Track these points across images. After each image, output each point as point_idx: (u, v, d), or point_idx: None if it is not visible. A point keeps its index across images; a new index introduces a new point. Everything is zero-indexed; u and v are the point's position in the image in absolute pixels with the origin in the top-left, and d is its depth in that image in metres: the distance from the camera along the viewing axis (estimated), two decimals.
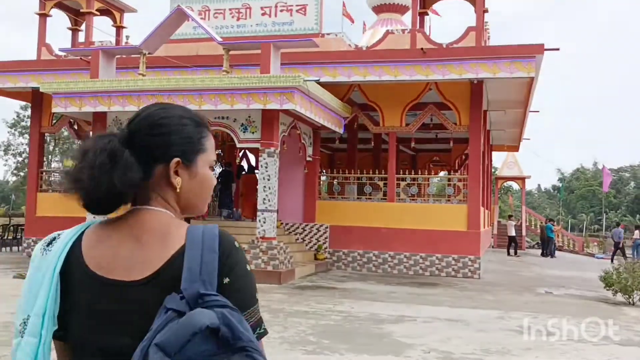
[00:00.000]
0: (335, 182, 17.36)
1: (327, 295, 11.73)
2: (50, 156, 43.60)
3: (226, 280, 1.33)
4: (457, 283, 14.47)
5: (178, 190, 1.44)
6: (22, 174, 43.87)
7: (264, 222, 13.79)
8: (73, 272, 1.37)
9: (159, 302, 1.26)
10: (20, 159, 45.28)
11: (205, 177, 1.48)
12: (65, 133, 43.96)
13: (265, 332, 1.38)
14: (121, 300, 1.32)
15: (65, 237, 1.42)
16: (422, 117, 16.80)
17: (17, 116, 45.23)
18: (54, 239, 1.44)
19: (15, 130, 45.47)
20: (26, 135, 42.60)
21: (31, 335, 1.34)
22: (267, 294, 11.59)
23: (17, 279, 12.72)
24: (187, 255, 1.32)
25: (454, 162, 27.78)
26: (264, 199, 13.83)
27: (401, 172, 16.84)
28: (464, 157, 25.17)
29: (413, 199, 16.67)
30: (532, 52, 14.26)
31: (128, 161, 1.36)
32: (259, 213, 13.92)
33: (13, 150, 46.01)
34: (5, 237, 21.17)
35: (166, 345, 1.18)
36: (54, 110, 14.58)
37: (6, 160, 46.84)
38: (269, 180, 13.85)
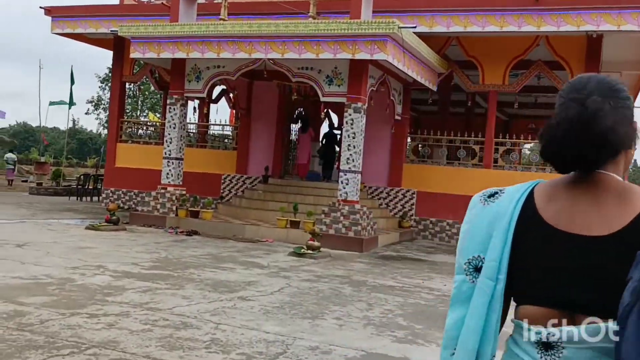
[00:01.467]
0: (424, 145, 15.93)
1: (414, 268, 10.51)
2: (138, 110, 44.29)
3: None
4: None
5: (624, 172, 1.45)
6: None
7: (347, 184, 12.65)
8: (526, 224, 1.44)
9: (621, 259, 1.29)
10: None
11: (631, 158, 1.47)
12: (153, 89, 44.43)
13: None
14: (582, 254, 1.35)
15: (516, 191, 1.49)
16: (527, 75, 14.99)
17: (109, 70, 45.89)
18: (496, 193, 1.53)
19: (105, 85, 46.30)
20: None
21: (487, 278, 1.45)
22: (348, 263, 10.51)
23: (90, 230, 12.22)
24: None
25: None
26: (348, 158, 12.66)
27: (500, 136, 15.19)
28: None
29: (513, 167, 15.04)
30: None
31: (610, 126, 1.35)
32: (341, 174, 12.78)
33: (104, 104, 47.01)
34: (87, 187, 21.12)
35: None
36: (132, 55, 13.90)
37: (98, 114, 48.07)
38: (354, 138, 12.64)
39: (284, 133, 17.25)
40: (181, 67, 14.24)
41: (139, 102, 43.89)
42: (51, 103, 30.99)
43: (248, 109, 17.36)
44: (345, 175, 12.67)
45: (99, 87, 47.10)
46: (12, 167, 29.40)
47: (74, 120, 74.01)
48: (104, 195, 18.81)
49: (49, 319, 5.44)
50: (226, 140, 19.70)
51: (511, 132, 24.21)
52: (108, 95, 46.05)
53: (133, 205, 18.03)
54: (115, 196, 18.52)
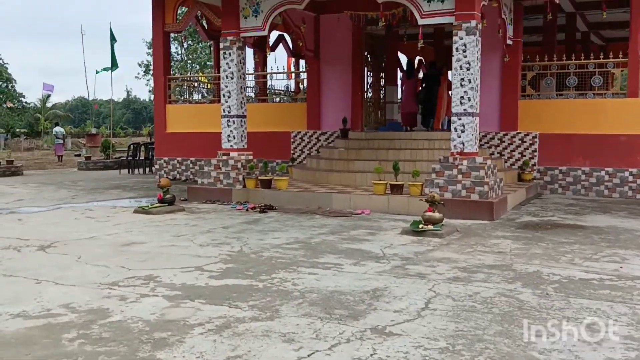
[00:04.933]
0: (543, 75, 12.56)
1: (581, 241, 7.47)
2: (188, 72, 41.95)
3: None
4: None
5: None
6: None
7: (462, 131, 9.59)
8: None
9: None
10: None
11: None
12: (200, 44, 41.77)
13: None
14: None
15: None
16: None
17: None
18: None
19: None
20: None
21: None
22: (486, 239, 7.56)
23: (139, 214, 9.66)
24: None
25: None
26: (462, 97, 9.56)
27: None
28: None
29: None
30: None
31: None
32: (454, 118, 9.71)
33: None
34: (137, 158, 18.72)
35: None
36: None
37: (148, 80, 46.04)
38: (468, 69, 9.51)
39: (362, 76, 14.16)
40: (234, 0, 11.29)
41: (186, 61, 41.27)
42: (97, 72, 28.98)
43: (316, 50, 14.35)
44: (460, 119, 9.59)
45: (146, 52, 44.83)
46: (62, 141, 27.48)
47: (127, 91, 73.07)
48: (156, 167, 16.33)
49: None
50: (287, 93, 16.76)
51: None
52: None
53: (191, 176, 15.49)
54: (169, 166, 16.00)
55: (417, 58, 18.75)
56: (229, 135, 11.55)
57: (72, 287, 5.33)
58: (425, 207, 8.64)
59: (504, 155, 12.52)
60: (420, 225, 7.86)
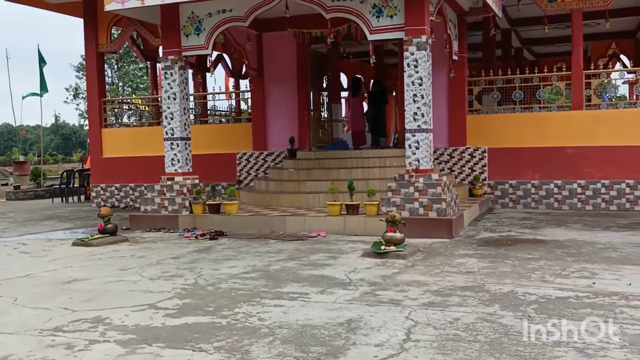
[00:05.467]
0: (488, 90, 12.61)
1: (546, 257, 7.33)
2: (119, 87, 40.63)
3: None
4: None
5: None
6: None
7: (417, 148, 9.39)
8: None
9: None
10: None
11: None
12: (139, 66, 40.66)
13: None
14: None
15: None
16: None
17: (83, 59, 42.22)
18: None
19: (82, 74, 42.62)
20: None
21: None
22: (451, 258, 7.33)
23: (79, 246, 8.96)
24: None
25: None
26: (415, 113, 9.38)
27: (592, 68, 11.92)
28: None
29: (611, 104, 11.81)
30: None
31: None
32: (407, 135, 9.50)
33: (82, 94, 43.35)
34: (71, 185, 17.75)
35: None
36: (107, 7, 10.41)
37: (77, 105, 44.40)
38: (420, 85, 9.35)
39: (308, 94, 13.85)
40: (174, 17, 10.81)
41: (117, 84, 40.08)
42: (23, 97, 27.54)
43: (260, 69, 13.97)
44: (414, 135, 9.39)
45: (75, 76, 43.30)
46: None
47: (55, 116, 70.24)
48: (93, 194, 15.47)
49: None
50: (229, 113, 16.25)
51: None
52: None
53: (131, 203, 14.76)
54: (107, 193, 15.19)
55: (356, 76, 18.66)
56: (172, 159, 10.98)
57: (9, 335, 4.71)
58: (383, 226, 8.37)
59: (454, 170, 12.45)
60: (382, 247, 7.55)
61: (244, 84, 21.99)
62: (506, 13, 13.62)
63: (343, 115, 16.52)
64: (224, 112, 17.15)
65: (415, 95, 9.35)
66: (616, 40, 19.39)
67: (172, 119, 10.92)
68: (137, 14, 11.46)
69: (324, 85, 14.85)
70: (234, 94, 17.98)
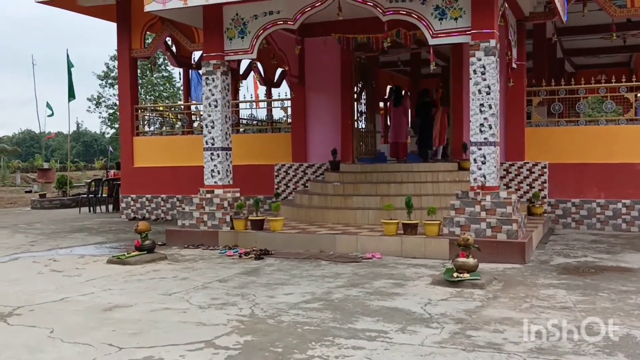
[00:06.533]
0: (551, 100, 11.74)
1: (616, 282, 6.47)
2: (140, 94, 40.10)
3: None
4: None
5: None
6: (116, 125, 40.58)
7: (483, 163, 8.56)
8: None
9: None
10: (111, 111, 42.07)
11: None
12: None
13: None
14: None
15: None
16: None
17: (107, 67, 42.02)
18: None
19: (105, 82, 42.33)
20: (117, 87, 39.08)
21: None
22: (531, 288, 6.51)
23: (115, 264, 8.25)
24: None
25: None
26: (482, 124, 8.56)
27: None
28: None
29: None
30: None
31: None
32: (472, 148, 8.68)
33: (105, 101, 43.01)
34: (100, 195, 17.14)
35: None
36: (147, 8, 9.71)
37: (100, 113, 44.02)
38: (488, 93, 8.54)
39: (352, 104, 13.08)
40: (217, 19, 10.11)
41: (150, 92, 39.59)
42: (48, 105, 27.18)
43: (301, 76, 13.25)
44: (480, 149, 8.57)
45: (99, 84, 42.85)
46: None
47: (77, 123, 70.29)
48: (123, 205, 14.82)
49: None
50: (270, 122, 15.50)
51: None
52: (109, 92, 42.07)
53: (162, 215, 14.09)
54: (138, 204, 14.53)
55: (397, 86, 17.88)
56: (212, 170, 10.26)
57: None
58: (445, 249, 7.56)
59: (510, 187, 11.58)
60: (455, 274, 6.73)
61: (276, 92, 21.40)
62: (545, 23, 12.79)
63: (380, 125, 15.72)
64: (256, 122, 16.45)
65: (482, 104, 8.53)
66: None
67: (212, 127, 10.21)
68: (177, 15, 10.78)
69: (365, 94, 14.06)
70: (267, 103, 17.28)
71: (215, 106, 10.18)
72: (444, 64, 18.95)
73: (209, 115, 10.23)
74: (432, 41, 8.94)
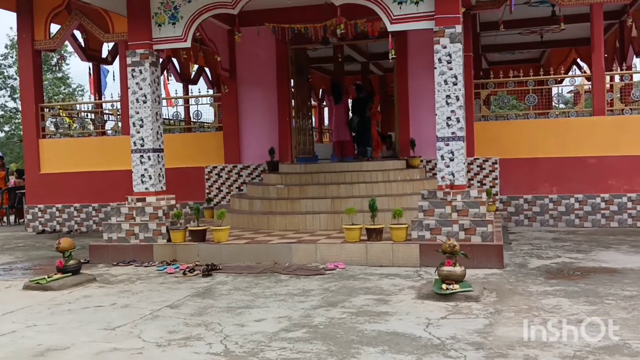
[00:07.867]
0: (494, 94, 11.33)
1: (614, 286, 5.99)
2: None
3: None
4: None
5: None
6: (5, 128, 36.91)
7: (451, 160, 7.89)
8: None
9: None
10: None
11: None
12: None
13: None
14: None
15: None
16: None
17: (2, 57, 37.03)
18: None
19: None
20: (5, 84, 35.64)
21: None
22: (528, 297, 5.87)
23: (34, 290, 6.89)
24: None
25: None
26: (448, 118, 7.88)
27: (615, 68, 10.84)
28: None
29: (636, 109, 10.77)
30: None
31: None
32: (439, 144, 7.97)
33: None
34: (0, 205, 15.20)
35: None
36: None
37: None
38: (455, 84, 7.87)
39: (289, 99, 12.11)
40: (144, 2, 8.87)
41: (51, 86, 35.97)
42: None
43: (232, 70, 12.13)
44: (448, 144, 7.88)
45: None
46: None
47: None
48: (29, 216, 13.09)
49: None
50: (173, 122, 14.14)
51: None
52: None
53: (76, 227, 12.55)
54: (47, 215, 12.87)
55: (336, 81, 17.04)
56: (142, 175, 8.99)
57: None
58: (415, 255, 6.86)
59: None
60: (444, 286, 5.96)
61: (195, 90, 19.98)
62: (474, 16, 12.38)
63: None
64: (181, 120, 15.13)
65: (448, 96, 7.85)
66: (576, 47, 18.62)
67: (141, 126, 8.94)
68: (98, 1, 9.39)
69: (304, 89, 13.11)
70: (189, 100, 15.96)
71: (144, 102, 8.92)
72: (363, 60, 18.41)
73: (137, 113, 8.95)
74: (391, 27, 8.17)
